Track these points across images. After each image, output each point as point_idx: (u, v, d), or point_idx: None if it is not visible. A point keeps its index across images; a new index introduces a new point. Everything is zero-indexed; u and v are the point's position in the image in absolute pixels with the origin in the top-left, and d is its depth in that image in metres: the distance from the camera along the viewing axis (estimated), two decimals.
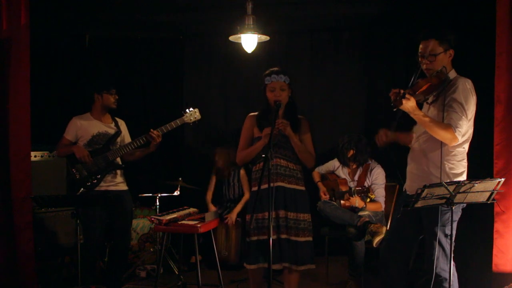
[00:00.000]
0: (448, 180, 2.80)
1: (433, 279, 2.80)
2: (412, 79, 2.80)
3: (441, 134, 2.71)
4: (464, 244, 2.98)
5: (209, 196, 5.10)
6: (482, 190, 2.63)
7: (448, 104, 2.75)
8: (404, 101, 2.64)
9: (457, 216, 2.84)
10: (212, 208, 4.92)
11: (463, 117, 2.72)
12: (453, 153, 2.84)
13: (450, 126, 2.70)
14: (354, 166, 4.43)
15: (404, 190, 3.10)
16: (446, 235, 2.77)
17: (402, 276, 3.05)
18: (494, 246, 3.35)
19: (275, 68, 3.40)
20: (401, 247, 3.04)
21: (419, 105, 2.82)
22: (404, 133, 3.08)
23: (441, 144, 2.78)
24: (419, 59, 2.86)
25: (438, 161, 2.81)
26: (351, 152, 4.36)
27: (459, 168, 2.86)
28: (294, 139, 3.34)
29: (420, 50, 2.86)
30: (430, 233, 2.84)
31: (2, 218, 3.61)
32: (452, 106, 2.73)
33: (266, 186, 3.18)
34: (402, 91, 2.66)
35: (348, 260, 4.24)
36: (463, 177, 2.87)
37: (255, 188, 3.22)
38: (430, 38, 2.81)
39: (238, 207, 4.91)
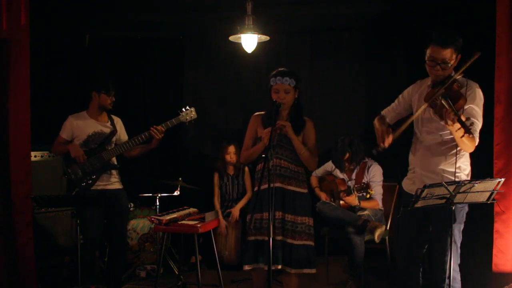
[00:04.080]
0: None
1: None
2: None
3: (468, 144, 2.68)
4: (464, 244, 2.98)
5: (217, 201, 5.03)
6: (482, 190, 2.63)
7: (469, 112, 2.68)
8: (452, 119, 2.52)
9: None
10: (220, 214, 4.88)
11: (480, 125, 2.74)
12: (465, 154, 2.90)
13: (473, 136, 2.63)
14: (351, 167, 4.44)
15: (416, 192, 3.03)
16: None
17: (418, 280, 3.07)
18: (494, 246, 3.36)
19: (282, 69, 3.33)
20: (416, 250, 3.03)
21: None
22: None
23: (456, 146, 2.79)
24: (428, 61, 2.74)
25: (453, 162, 2.84)
26: (347, 155, 4.37)
27: (468, 167, 2.93)
28: (295, 141, 3.30)
29: (432, 54, 2.71)
30: (443, 233, 2.81)
31: (2, 218, 3.60)
32: (473, 115, 2.68)
33: (266, 186, 3.17)
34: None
35: (347, 260, 4.24)
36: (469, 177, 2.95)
37: (256, 188, 3.22)
38: (449, 46, 2.68)
39: (241, 203, 4.90)
